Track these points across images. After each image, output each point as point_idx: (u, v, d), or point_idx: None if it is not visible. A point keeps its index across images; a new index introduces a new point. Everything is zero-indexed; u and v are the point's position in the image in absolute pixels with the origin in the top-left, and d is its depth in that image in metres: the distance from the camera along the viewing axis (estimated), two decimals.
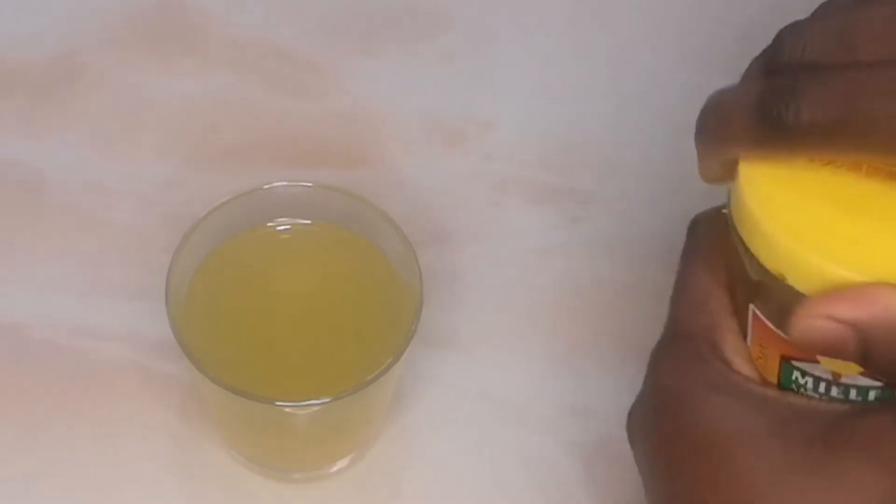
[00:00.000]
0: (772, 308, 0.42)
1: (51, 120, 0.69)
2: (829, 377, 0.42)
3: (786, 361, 0.43)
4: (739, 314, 0.45)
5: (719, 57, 0.73)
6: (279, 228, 0.59)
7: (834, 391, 0.42)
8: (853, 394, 0.42)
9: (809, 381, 0.43)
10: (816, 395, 0.43)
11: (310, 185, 0.58)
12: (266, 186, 0.58)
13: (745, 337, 0.45)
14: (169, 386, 0.61)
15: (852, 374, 0.42)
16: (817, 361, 0.42)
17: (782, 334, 0.42)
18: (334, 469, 0.59)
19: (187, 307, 0.56)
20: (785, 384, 0.43)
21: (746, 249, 0.43)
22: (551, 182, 0.68)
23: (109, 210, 0.66)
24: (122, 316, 0.63)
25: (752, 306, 0.43)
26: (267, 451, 0.59)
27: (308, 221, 0.59)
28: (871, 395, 0.42)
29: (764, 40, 0.74)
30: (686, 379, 0.45)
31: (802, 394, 0.43)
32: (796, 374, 0.43)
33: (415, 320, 0.54)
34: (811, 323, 0.40)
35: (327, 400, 0.53)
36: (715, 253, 0.46)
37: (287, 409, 0.53)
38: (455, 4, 0.74)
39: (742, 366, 0.45)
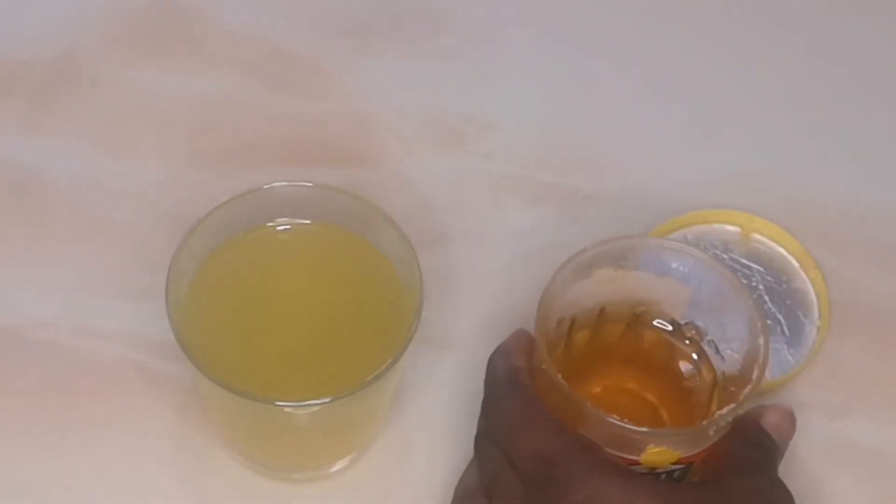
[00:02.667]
0: (595, 431, 0.52)
1: (51, 120, 0.69)
2: (646, 471, 0.52)
3: None
4: None
5: (719, 57, 0.73)
6: (279, 228, 0.59)
7: None
8: (663, 477, 0.53)
9: None
10: None
11: (310, 185, 0.58)
12: (266, 186, 0.58)
13: None
14: (169, 386, 0.61)
15: (666, 465, 0.52)
16: (639, 463, 0.52)
17: (606, 450, 0.52)
18: (334, 469, 0.59)
19: (187, 307, 0.56)
20: None
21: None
22: (551, 182, 0.68)
23: (109, 210, 0.66)
24: (122, 316, 0.63)
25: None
26: (267, 451, 0.59)
27: (308, 221, 0.59)
28: (676, 473, 0.53)
29: (763, 40, 0.74)
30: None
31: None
32: None
33: (415, 320, 0.54)
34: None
35: (327, 400, 0.53)
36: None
37: (287, 409, 0.53)
38: (455, 4, 0.74)
39: None
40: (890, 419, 0.62)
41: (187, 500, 0.59)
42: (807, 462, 0.60)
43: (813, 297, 0.64)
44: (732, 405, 0.52)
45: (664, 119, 0.70)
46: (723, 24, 0.74)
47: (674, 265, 0.55)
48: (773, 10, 0.75)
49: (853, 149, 0.70)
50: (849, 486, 0.60)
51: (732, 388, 0.54)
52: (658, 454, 0.52)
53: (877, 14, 0.75)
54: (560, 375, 0.52)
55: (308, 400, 0.53)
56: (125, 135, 0.69)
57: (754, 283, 0.64)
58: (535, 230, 0.66)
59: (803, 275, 0.65)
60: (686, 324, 0.56)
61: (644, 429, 0.51)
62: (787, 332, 0.63)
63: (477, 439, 0.55)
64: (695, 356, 0.56)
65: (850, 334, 0.64)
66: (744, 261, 0.65)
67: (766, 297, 0.64)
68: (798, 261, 0.65)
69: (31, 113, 0.69)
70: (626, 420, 0.51)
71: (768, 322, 0.63)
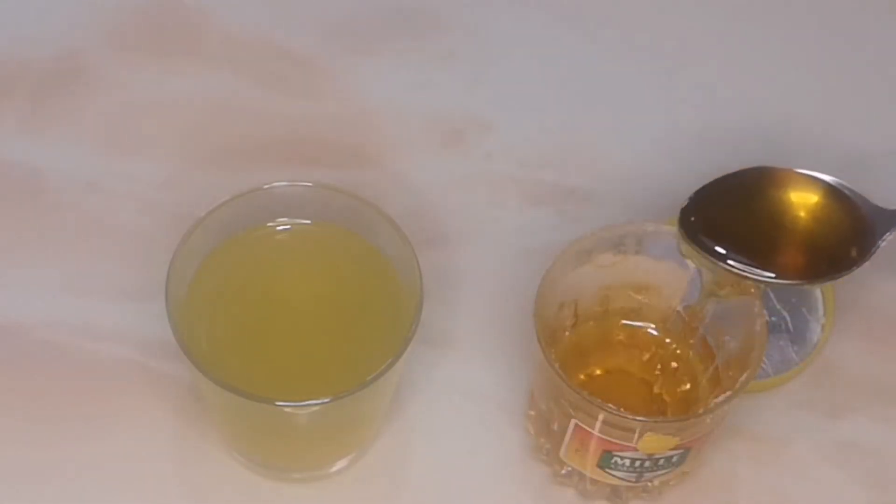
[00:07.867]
0: (591, 419, 0.53)
1: (51, 120, 0.69)
2: (645, 457, 0.54)
3: (607, 452, 0.54)
4: (551, 422, 0.56)
5: (725, 56, 0.73)
6: (279, 228, 0.59)
7: (647, 464, 0.54)
8: (661, 462, 0.54)
9: (627, 461, 0.54)
10: (631, 469, 0.55)
11: (310, 185, 0.58)
12: (266, 186, 0.58)
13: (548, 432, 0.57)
14: (169, 386, 0.61)
15: (664, 451, 0.53)
16: (637, 450, 0.53)
17: (603, 436, 0.53)
18: (334, 469, 0.59)
19: (187, 307, 0.56)
20: (604, 465, 0.55)
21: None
22: (551, 182, 0.68)
23: (109, 210, 0.66)
24: (122, 316, 0.63)
25: (574, 420, 0.54)
26: (267, 451, 0.59)
27: (308, 221, 0.59)
28: (674, 459, 0.54)
29: (776, 38, 0.74)
30: None
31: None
32: (615, 458, 0.54)
33: (415, 320, 0.54)
34: None
35: (327, 400, 0.53)
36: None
37: (287, 409, 0.53)
38: (455, 4, 0.74)
39: None
40: (890, 419, 0.62)
41: (187, 500, 0.59)
42: (807, 462, 0.60)
43: (818, 294, 0.64)
44: (729, 392, 0.52)
45: (667, 118, 0.70)
46: (729, 24, 0.74)
47: (672, 249, 0.55)
48: (785, 6, 0.75)
49: (864, 148, 0.70)
50: (849, 486, 0.60)
51: (731, 374, 0.54)
52: (655, 441, 0.52)
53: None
54: (558, 364, 0.52)
55: (308, 400, 0.53)
56: (125, 135, 0.69)
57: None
58: (535, 230, 0.66)
59: None
60: (685, 307, 0.56)
61: (640, 418, 0.51)
62: (791, 329, 0.63)
63: None
64: (693, 342, 0.57)
65: (854, 334, 0.64)
66: None
67: (772, 294, 0.64)
68: None
69: (31, 113, 0.69)
70: (622, 409, 0.51)
71: (773, 319, 0.63)
